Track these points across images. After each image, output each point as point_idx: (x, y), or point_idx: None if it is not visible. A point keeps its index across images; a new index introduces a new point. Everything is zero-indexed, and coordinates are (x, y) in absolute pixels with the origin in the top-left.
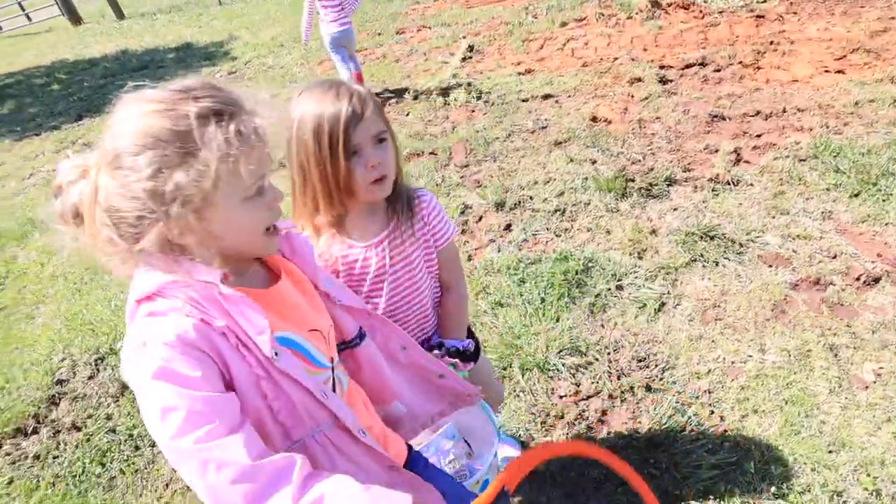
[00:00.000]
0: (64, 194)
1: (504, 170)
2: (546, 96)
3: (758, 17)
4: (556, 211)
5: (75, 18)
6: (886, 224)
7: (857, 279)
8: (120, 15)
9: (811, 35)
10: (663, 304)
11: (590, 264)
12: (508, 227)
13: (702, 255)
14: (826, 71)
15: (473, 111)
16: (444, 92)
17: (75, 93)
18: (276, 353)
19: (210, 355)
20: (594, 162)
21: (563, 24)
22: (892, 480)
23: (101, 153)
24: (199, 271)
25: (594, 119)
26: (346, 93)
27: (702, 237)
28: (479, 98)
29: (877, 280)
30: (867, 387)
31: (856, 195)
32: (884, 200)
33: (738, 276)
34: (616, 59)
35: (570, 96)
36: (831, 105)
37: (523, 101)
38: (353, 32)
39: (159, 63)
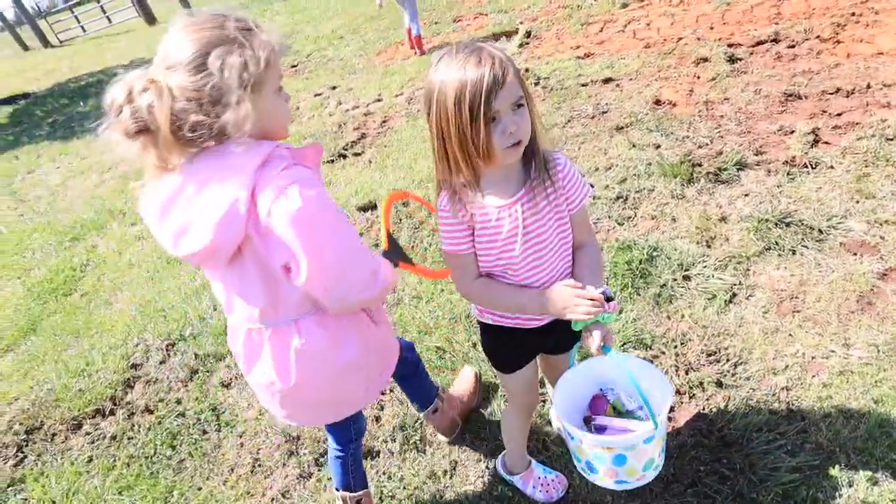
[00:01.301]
0: (133, 104)
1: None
2: (606, 80)
3: None
4: (618, 198)
5: (150, 18)
6: None
7: None
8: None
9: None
10: (735, 295)
11: (654, 253)
12: None
13: (777, 244)
14: None
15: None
16: None
17: None
18: None
19: None
20: (658, 147)
21: (624, 6)
22: None
23: (163, 64)
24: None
25: (658, 102)
26: (489, 58)
27: (777, 224)
28: (537, 84)
29: None
30: None
31: None
32: None
33: (818, 265)
34: (680, 38)
35: (631, 79)
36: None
37: (583, 85)
38: None
39: None
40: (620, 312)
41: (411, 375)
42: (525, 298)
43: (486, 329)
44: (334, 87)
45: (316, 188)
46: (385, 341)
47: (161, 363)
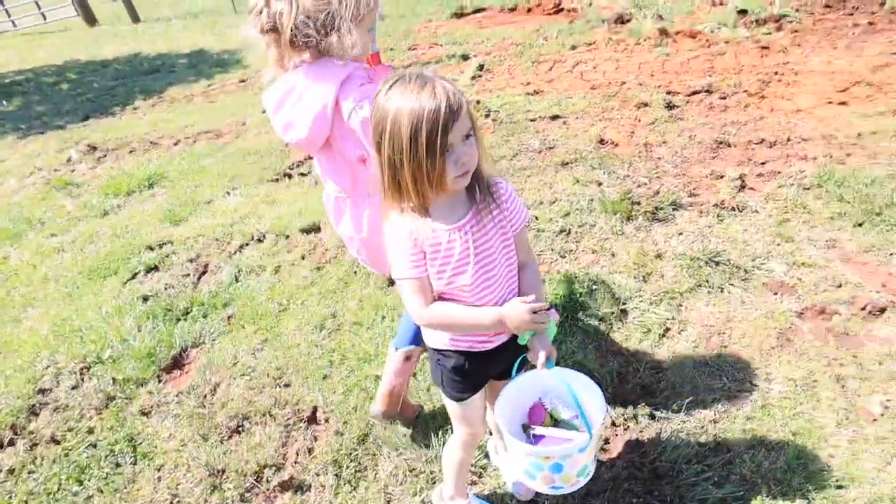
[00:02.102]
0: (270, 8)
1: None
2: (554, 117)
3: (763, 47)
4: (561, 231)
5: (90, 19)
6: (891, 254)
7: (863, 309)
8: (135, 18)
9: (814, 67)
10: (668, 329)
11: (594, 287)
12: None
13: (707, 281)
14: (829, 102)
15: (481, 129)
16: None
17: (84, 93)
18: None
19: None
20: (600, 184)
21: (573, 48)
22: None
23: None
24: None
25: (601, 141)
26: (443, 90)
27: (707, 262)
28: (487, 116)
29: (882, 310)
30: (875, 420)
31: (860, 225)
32: (888, 231)
33: (743, 302)
34: (624, 83)
35: (577, 118)
36: (834, 136)
37: (531, 120)
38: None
39: (170, 67)
40: (560, 344)
41: None
42: (483, 317)
43: (442, 355)
44: None
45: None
46: None
47: (73, 388)
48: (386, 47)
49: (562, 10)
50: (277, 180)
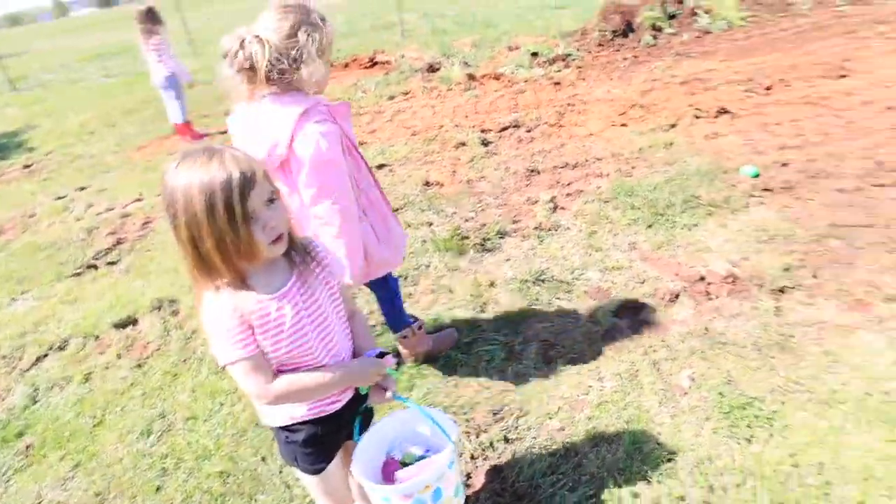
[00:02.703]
0: (245, 49)
1: None
2: (380, 166)
3: (555, 83)
4: (398, 277)
5: None
6: (677, 247)
7: (663, 298)
8: None
9: (598, 96)
10: (511, 351)
11: (438, 327)
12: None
13: (537, 300)
14: (613, 125)
15: None
16: None
17: None
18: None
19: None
20: (430, 224)
21: (391, 98)
22: (719, 473)
23: (265, 28)
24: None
25: (427, 183)
26: (232, 159)
27: (535, 282)
28: None
29: (677, 296)
30: (686, 392)
31: (650, 226)
32: (671, 227)
33: (571, 312)
34: (442, 126)
35: (402, 164)
36: (621, 153)
37: None
38: (179, 78)
39: None
40: (411, 389)
41: (388, 301)
42: (330, 377)
43: (290, 431)
44: (83, 188)
45: (332, 145)
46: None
47: None
48: (200, 114)
49: (377, 63)
50: (80, 274)
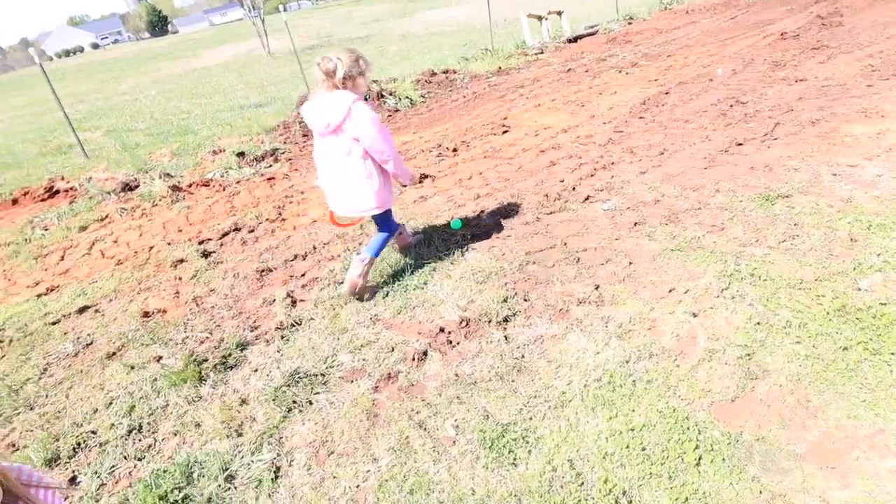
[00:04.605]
0: (332, 62)
1: (48, 414)
2: (82, 309)
3: (269, 179)
4: (130, 431)
5: None
6: (414, 308)
7: (413, 359)
8: None
9: (314, 184)
10: (278, 468)
11: (190, 470)
12: (74, 481)
13: (295, 402)
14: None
15: None
16: None
17: None
18: None
19: None
20: (160, 358)
21: (83, 228)
22: None
23: (344, 65)
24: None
25: (146, 314)
26: None
27: (288, 385)
28: None
29: (425, 353)
30: (454, 441)
31: (386, 295)
32: (405, 291)
33: (332, 403)
34: (153, 247)
35: (111, 300)
36: (346, 233)
37: (53, 323)
38: None
39: None
40: None
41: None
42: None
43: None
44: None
45: (375, 116)
46: (391, 190)
47: None
48: None
49: (57, 192)
50: None
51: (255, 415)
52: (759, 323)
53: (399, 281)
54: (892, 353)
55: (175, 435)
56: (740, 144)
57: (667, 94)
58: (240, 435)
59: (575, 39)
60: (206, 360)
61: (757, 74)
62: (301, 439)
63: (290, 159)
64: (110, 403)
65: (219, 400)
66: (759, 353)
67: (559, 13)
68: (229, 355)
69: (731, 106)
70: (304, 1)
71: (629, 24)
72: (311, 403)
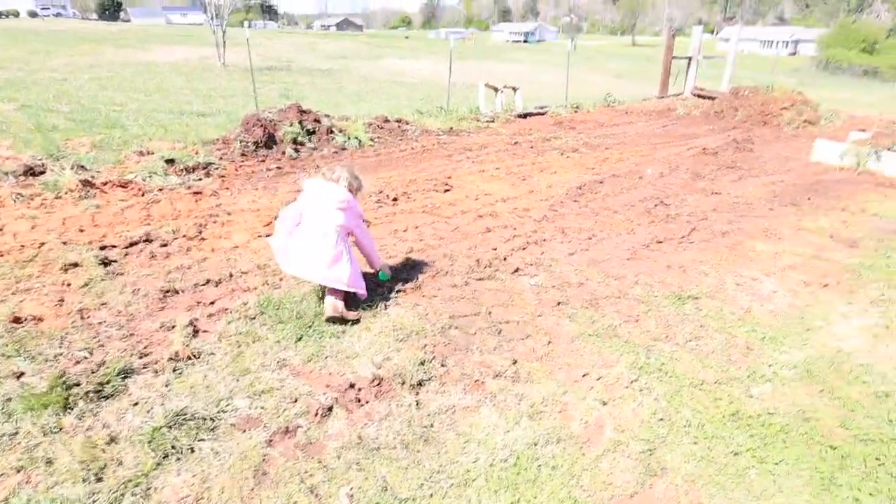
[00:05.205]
0: (335, 173)
1: None
2: None
3: (196, 193)
4: None
5: None
6: (326, 357)
7: (316, 414)
8: None
9: (244, 206)
10: None
11: None
12: None
13: (174, 447)
14: (259, 236)
15: None
16: None
17: None
18: None
19: None
20: (20, 375)
21: None
22: None
23: (343, 178)
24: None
25: (17, 320)
26: None
27: (170, 426)
28: None
29: (330, 409)
30: None
31: (299, 339)
32: (320, 338)
33: (217, 453)
34: (44, 244)
35: None
36: (268, 264)
37: None
38: None
39: None
40: None
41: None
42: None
43: None
44: None
45: (360, 211)
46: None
47: None
48: None
49: None
50: None
51: (124, 458)
52: (662, 419)
53: (314, 326)
54: (776, 463)
55: (18, 472)
56: (660, 242)
57: (601, 183)
58: (99, 480)
59: (525, 116)
60: (77, 385)
61: (680, 181)
62: (172, 493)
63: (223, 176)
64: None
65: (83, 434)
66: (660, 450)
67: (514, 89)
68: (107, 382)
69: (656, 205)
70: (270, 22)
71: (575, 111)
72: (192, 451)
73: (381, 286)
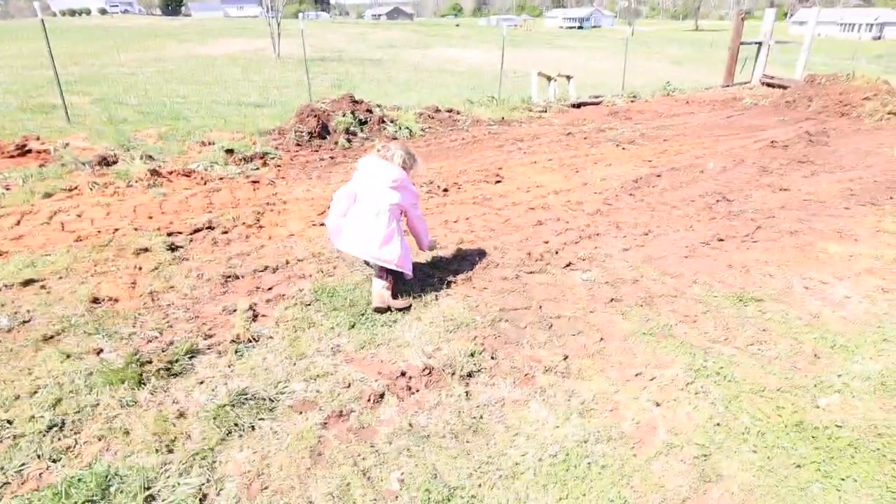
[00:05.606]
0: (391, 150)
1: None
2: (27, 282)
3: (253, 182)
4: (51, 428)
5: None
6: (379, 345)
7: (369, 400)
8: None
9: (298, 196)
10: (205, 496)
11: (108, 483)
12: None
13: (237, 425)
14: (313, 224)
15: None
16: None
17: None
18: None
19: None
20: (100, 351)
21: (49, 195)
22: None
23: (397, 156)
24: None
25: (96, 300)
26: None
27: (233, 405)
28: None
29: (382, 395)
30: (398, 496)
31: (352, 326)
32: (372, 326)
33: (275, 433)
34: (118, 229)
35: (61, 278)
36: (322, 253)
37: None
38: None
39: None
40: None
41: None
42: None
43: None
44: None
45: (414, 190)
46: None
47: None
48: None
49: (29, 151)
50: None
51: (192, 432)
52: (719, 424)
53: (367, 314)
54: (843, 479)
55: (99, 440)
56: (721, 240)
57: (659, 176)
58: (170, 451)
59: (579, 105)
60: (149, 362)
61: (745, 176)
62: (236, 467)
63: (278, 166)
64: (35, 392)
65: (155, 409)
66: (716, 456)
67: (568, 77)
68: (176, 361)
69: (718, 201)
70: (322, 12)
71: (632, 101)
72: (253, 429)
73: (431, 275)
